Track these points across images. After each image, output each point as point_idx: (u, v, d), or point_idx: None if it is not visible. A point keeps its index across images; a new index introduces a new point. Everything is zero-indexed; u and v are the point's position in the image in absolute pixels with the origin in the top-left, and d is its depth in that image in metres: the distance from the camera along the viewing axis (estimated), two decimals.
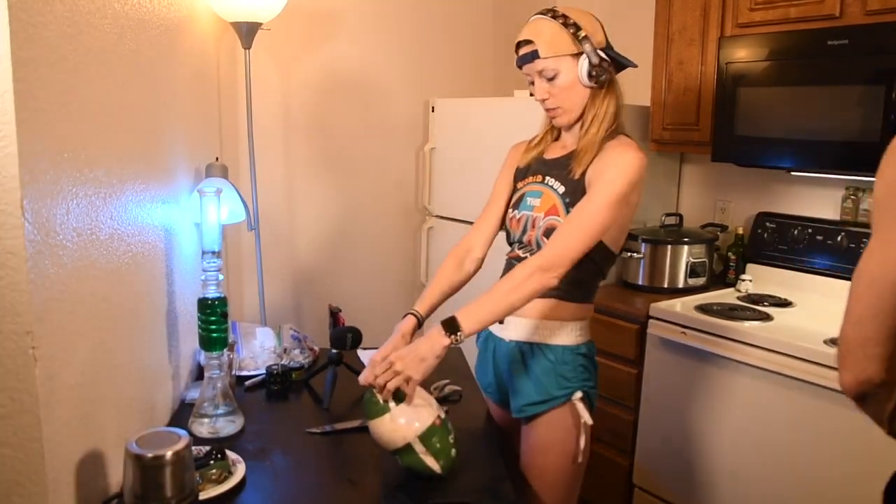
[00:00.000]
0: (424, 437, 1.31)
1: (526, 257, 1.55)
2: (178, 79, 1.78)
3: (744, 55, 2.29)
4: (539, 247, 1.52)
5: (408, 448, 1.32)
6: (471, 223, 2.84)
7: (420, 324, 1.54)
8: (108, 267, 1.23)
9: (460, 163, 3.02)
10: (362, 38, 2.99)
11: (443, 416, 1.37)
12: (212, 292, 1.55)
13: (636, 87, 3.03)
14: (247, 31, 2.33)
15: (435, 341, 1.33)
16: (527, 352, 1.55)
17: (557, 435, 1.52)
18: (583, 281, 1.53)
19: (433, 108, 3.14)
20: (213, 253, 1.57)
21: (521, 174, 1.64)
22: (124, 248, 1.32)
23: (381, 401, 1.33)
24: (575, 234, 1.39)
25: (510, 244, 1.63)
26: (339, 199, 3.05)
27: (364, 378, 1.36)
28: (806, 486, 1.95)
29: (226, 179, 2.03)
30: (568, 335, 1.53)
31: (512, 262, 1.59)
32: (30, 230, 0.93)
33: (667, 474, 2.32)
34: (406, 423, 1.32)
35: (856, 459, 1.84)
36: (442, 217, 3.16)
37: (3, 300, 0.92)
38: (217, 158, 2.20)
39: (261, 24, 2.35)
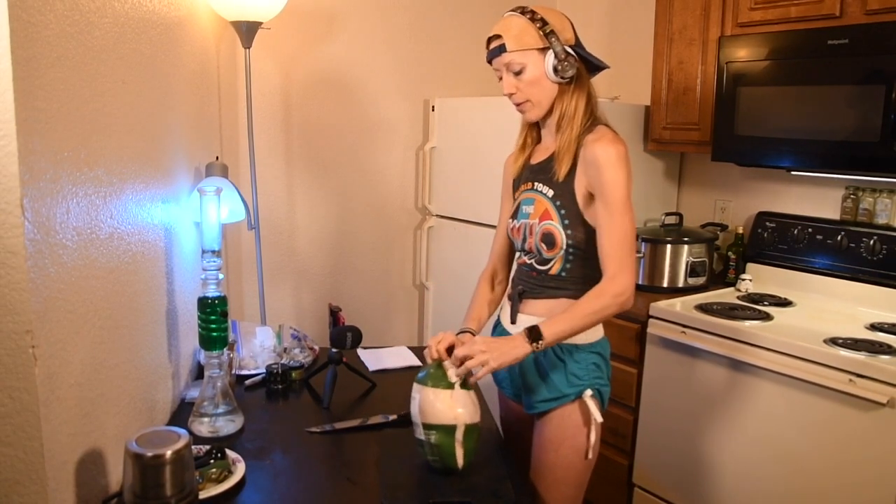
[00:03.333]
0: (467, 430, 1.36)
1: (531, 263, 1.58)
2: (178, 78, 1.78)
3: (744, 55, 2.29)
4: (539, 252, 1.55)
5: (450, 430, 1.34)
6: (471, 223, 2.83)
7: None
8: (107, 266, 1.23)
9: (460, 162, 3.01)
10: (362, 38, 2.99)
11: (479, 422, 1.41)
12: (212, 291, 1.55)
13: (636, 87, 3.04)
14: (247, 31, 2.33)
15: (518, 344, 1.40)
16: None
17: (568, 431, 1.53)
18: (594, 278, 1.52)
19: (433, 107, 3.14)
20: (213, 252, 1.57)
21: (516, 184, 1.67)
22: (124, 248, 1.32)
23: (452, 377, 1.38)
24: (620, 250, 1.43)
25: (517, 252, 1.66)
26: (339, 198, 3.05)
27: (437, 349, 1.45)
28: (806, 485, 1.95)
29: (226, 178, 2.03)
30: (580, 335, 1.52)
31: (522, 268, 1.63)
32: (30, 229, 0.93)
33: (667, 474, 2.32)
34: (463, 408, 1.36)
35: (856, 458, 1.84)
36: (442, 216, 3.16)
37: (2, 299, 0.93)
38: (217, 157, 2.20)
39: (261, 23, 2.35)
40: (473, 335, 1.61)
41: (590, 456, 1.54)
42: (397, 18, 3.07)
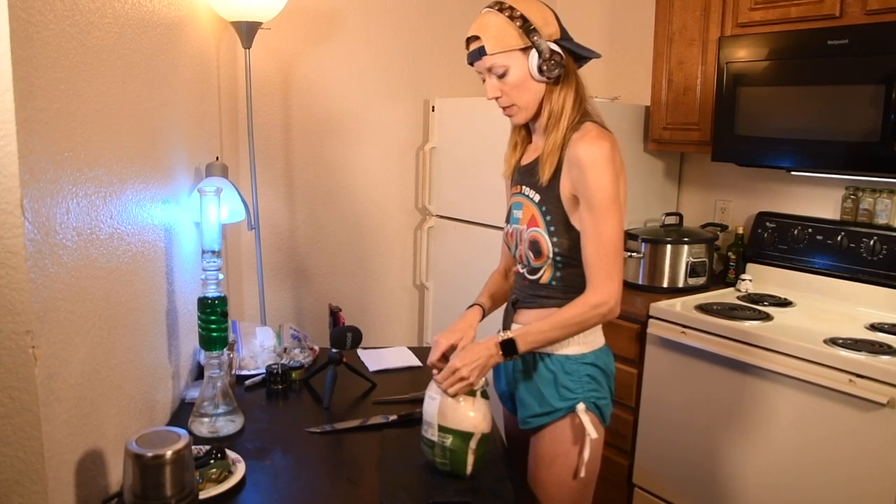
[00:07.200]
0: (482, 439, 1.36)
1: (523, 272, 1.54)
2: (178, 78, 1.78)
3: (744, 55, 2.29)
4: (528, 262, 1.50)
5: (466, 436, 1.35)
6: (471, 223, 2.82)
7: (484, 315, 1.63)
8: (107, 266, 1.23)
9: (460, 163, 3.01)
10: (362, 38, 2.99)
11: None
12: (212, 291, 1.55)
13: (636, 87, 3.04)
14: (247, 31, 2.33)
15: (493, 353, 1.39)
16: (529, 362, 1.50)
17: (561, 448, 1.46)
18: (585, 286, 1.45)
19: (433, 107, 3.14)
20: (213, 252, 1.57)
21: (512, 184, 1.61)
22: (124, 248, 1.32)
23: (475, 384, 1.39)
24: (604, 258, 1.37)
25: (513, 256, 1.60)
26: (339, 198, 3.05)
27: (430, 359, 1.47)
28: (806, 485, 1.95)
29: (226, 179, 2.03)
30: (572, 344, 1.46)
31: (517, 277, 1.58)
32: (30, 229, 0.93)
33: (667, 474, 2.32)
34: (481, 418, 1.37)
35: (856, 458, 1.84)
36: (442, 217, 3.16)
37: (2, 299, 0.93)
38: (217, 157, 2.20)
39: (261, 23, 2.35)
40: (485, 312, 1.62)
41: (582, 474, 1.45)
42: (397, 18, 3.07)
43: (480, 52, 1.41)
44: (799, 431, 1.95)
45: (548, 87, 1.43)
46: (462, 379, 1.36)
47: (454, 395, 1.37)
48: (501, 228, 1.69)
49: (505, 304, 1.63)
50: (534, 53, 1.38)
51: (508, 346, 1.39)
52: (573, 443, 1.46)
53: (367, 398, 1.79)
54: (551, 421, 1.46)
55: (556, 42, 1.40)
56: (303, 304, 3.03)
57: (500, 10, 1.39)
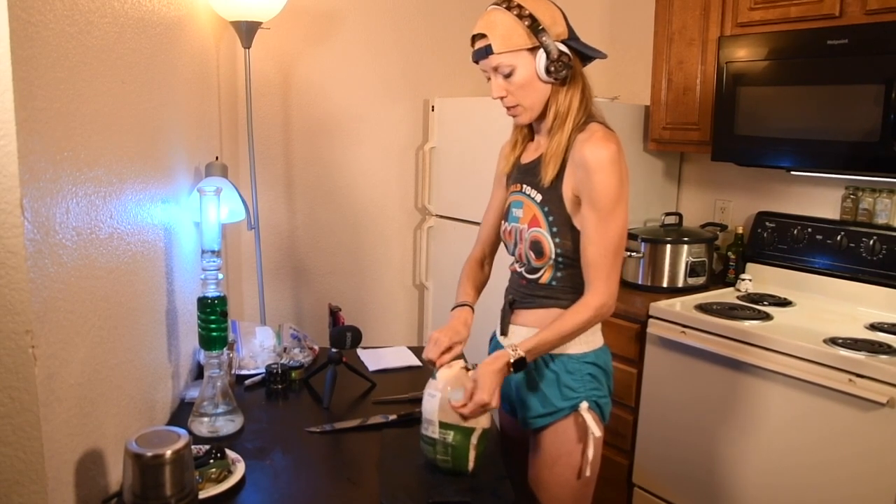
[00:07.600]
0: (482, 435, 1.37)
1: (521, 272, 1.53)
2: (177, 78, 1.78)
3: (744, 55, 2.29)
4: (528, 261, 1.50)
5: (468, 432, 1.35)
6: (471, 223, 2.83)
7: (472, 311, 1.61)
8: (107, 266, 1.23)
9: (460, 162, 3.01)
10: (362, 37, 2.99)
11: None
12: (211, 291, 1.55)
13: (636, 87, 3.04)
14: (247, 30, 2.33)
15: (505, 374, 1.38)
16: (531, 363, 1.50)
17: (564, 447, 1.46)
18: (584, 287, 1.46)
19: (433, 107, 3.14)
20: (213, 252, 1.57)
21: (509, 181, 1.59)
22: (124, 248, 1.32)
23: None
24: (605, 259, 1.37)
25: (510, 255, 1.60)
26: (338, 198, 3.05)
27: (428, 354, 1.44)
28: (805, 485, 1.95)
29: (226, 178, 2.03)
30: (573, 344, 1.46)
31: (513, 276, 1.58)
32: (29, 229, 0.93)
33: (667, 474, 2.32)
34: (482, 413, 1.37)
35: (856, 458, 1.84)
36: (442, 216, 3.16)
37: (2, 299, 0.93)
38: (217, 157, 2.20)
39: (261, 23, 2.35)
40: (471, 308, 1.59)
41: (587, 473, 1.46)
42: (397, 18, 3.07)
43: (487, 51, 1.39)
44: (799, 431, 1.95)
45: (554, 87, 1.41)
46: (490, 408, 1.37)
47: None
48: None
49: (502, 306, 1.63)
50: (541, 54, 1.36)
51: (519, 363, 1.39)
52: (576, 442, 1.46)
53: (366, 398, 1.79)
54: (554, 421, 1.47)
55: (563, 42, 1.38)
56: (302, 304, 3.03)
57: (508, 9, 1.36)
